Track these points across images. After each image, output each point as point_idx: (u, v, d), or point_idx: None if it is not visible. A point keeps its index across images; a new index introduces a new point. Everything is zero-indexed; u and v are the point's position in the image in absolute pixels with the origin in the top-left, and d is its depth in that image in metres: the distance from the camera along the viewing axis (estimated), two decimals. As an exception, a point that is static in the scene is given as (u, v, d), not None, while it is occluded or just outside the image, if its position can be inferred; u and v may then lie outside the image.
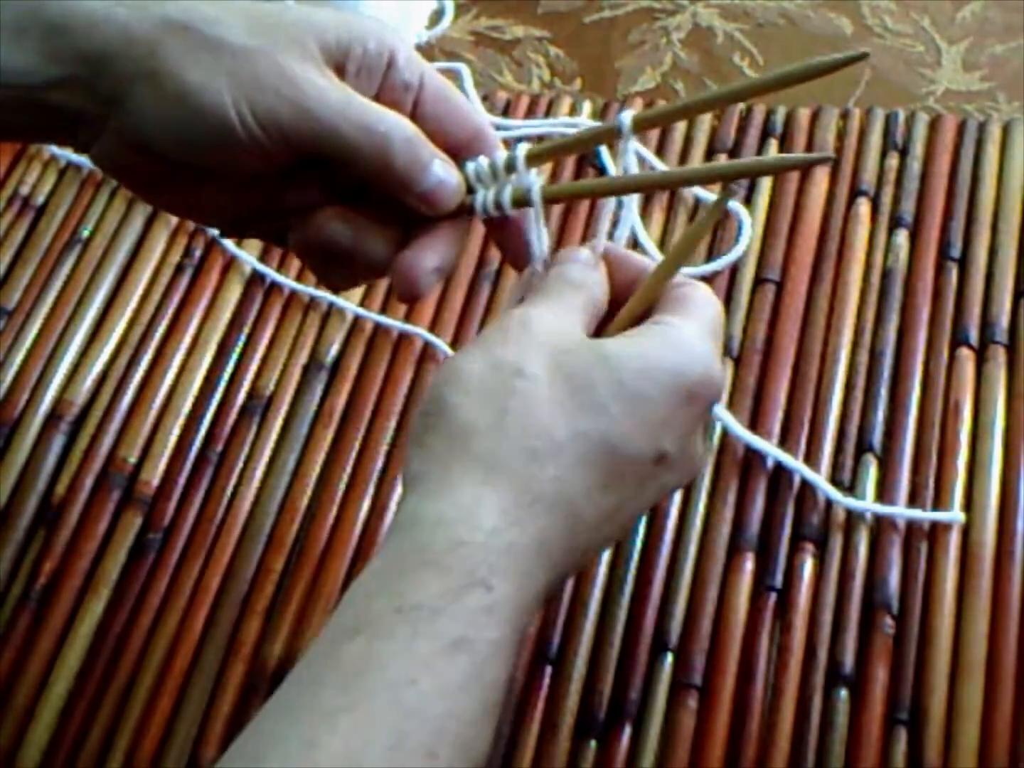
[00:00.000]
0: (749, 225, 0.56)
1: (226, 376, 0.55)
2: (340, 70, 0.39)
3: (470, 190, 0.41)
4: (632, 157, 0.40)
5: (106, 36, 0.37)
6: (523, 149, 0.40)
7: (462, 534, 0.34)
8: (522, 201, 0.41)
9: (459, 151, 0.41)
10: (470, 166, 0.41)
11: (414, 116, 0.41)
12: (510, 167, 0.40)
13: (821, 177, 0.57)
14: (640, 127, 0.40)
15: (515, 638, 0.35)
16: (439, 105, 0.41)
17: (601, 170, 0.59)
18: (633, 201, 0.50)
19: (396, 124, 0.39)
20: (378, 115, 0.39)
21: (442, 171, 0.40)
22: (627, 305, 0.41)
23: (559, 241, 0.57)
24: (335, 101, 0.38)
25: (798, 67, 0.39)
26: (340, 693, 0.32)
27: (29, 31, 0.38)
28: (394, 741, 0.31)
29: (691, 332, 0.39)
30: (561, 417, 0.36)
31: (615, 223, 0.43)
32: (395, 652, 0.33)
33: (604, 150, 0.59)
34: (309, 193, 0.41)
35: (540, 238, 0.42)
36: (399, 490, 0.51)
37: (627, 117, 0.40)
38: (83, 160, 0.62)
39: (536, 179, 0.40)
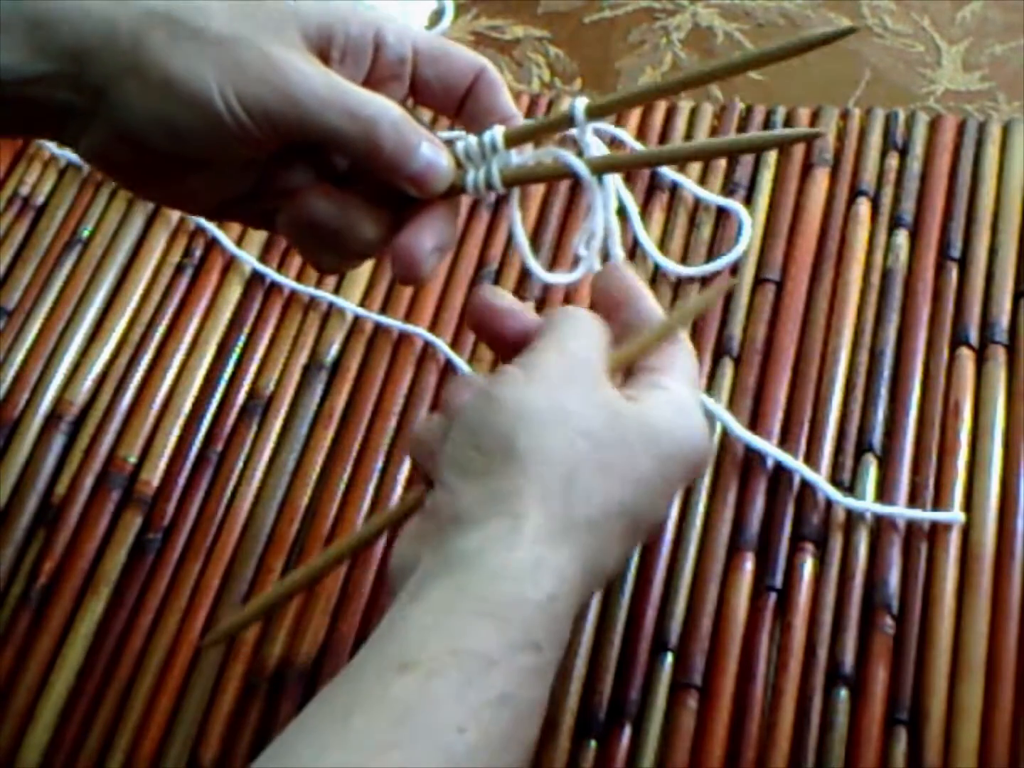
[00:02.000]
0: (749, 225, 0.56)
1: (226, 376, 0.55)
2: (324, 57, 0.39)
3: (459, 165, 0.41)
4: (590, 145, 0.41)
5: (89, 30, 0.37)
6: (500, 130, 0.41)
7: (526, 592, 0.35)
8: (512, 180, 0.41)
9: (466, 99, 0.41)
10: (459, 145, 0.41)
11: (415, 82, 0.41)
12: (494, 148, 0.40)
13: (821, 177, 0.57)
14: (594, 114, 0.40)
15: (547, 702, 0.35)
16: (438, 65, 0.41)
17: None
18: (628, 200, 0.50)
19: (382, 108, 0.39)
20: (363, 99, 0.38)
21: (431, 152, 0.39)
22: (624, 352, 0.41)
23: (560, 233, 0.57)
24: (320, 87, 0.38)
25: (773, 47, 0.39)
26: (392, 728, 0.32)
27: (11, 27, 0.37)
28: None
29: (695, 402, 0.40)
30: (614, 488, 0.37)
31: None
32: (448, 695, 0.32)
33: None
34: (298, 176, 0.41)
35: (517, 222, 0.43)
36: (399, 490, 0.51)
37: (580, 105, 0.40)
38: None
39: (515, 158, 0.41)
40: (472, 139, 0.41)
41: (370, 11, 0.40)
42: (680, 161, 0.56)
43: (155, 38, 0.37)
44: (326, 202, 0.40)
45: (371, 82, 0.40)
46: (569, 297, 0.55)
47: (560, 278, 0.45)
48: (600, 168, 0.41)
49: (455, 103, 0.42)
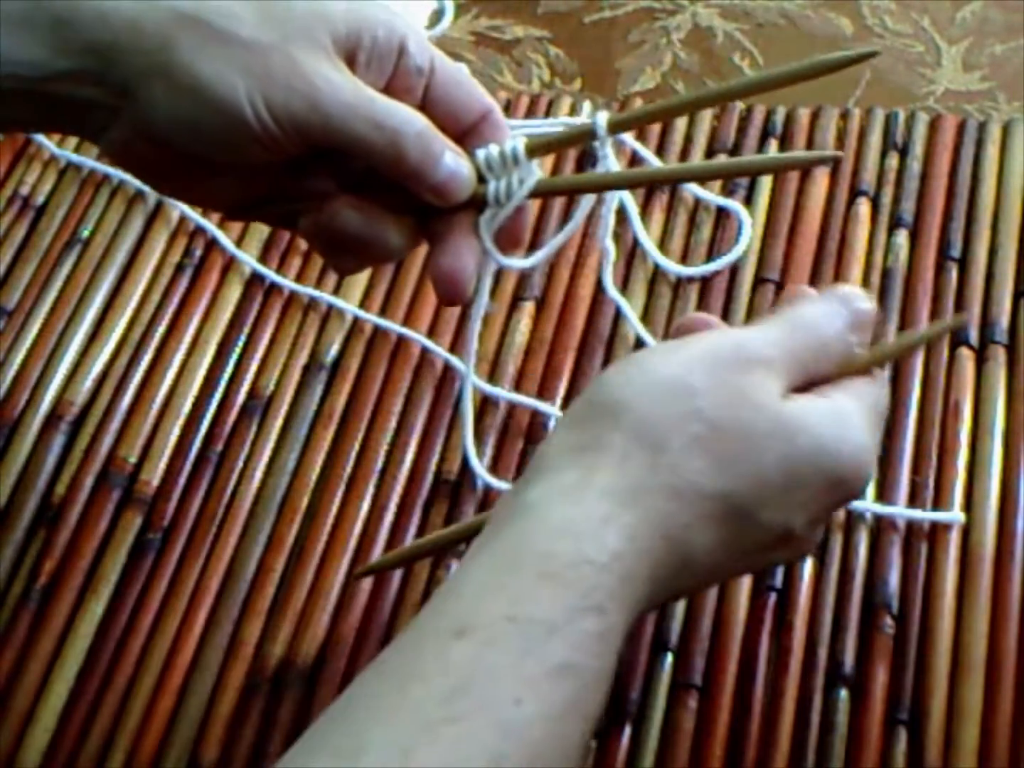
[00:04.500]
0: (749, 225, 0.56)
1: (226, 376, 0.55)
2: (351, 60, 0.39)
3: (480, 179, 0.41)
4: (611, 160, 0.41)
5: (115, 29, 0.37)
6: (522, 141, 0.40)
7: (588, 552, 0.33)
8: (535, 192, 0.41)
9: (468, 134, 0.41)
10: (480, 154, 0.41)
11: (425, 100, 0.41)
12: (515, 159, 0.40)
13: (821, 177, 0.57)
14: (615, 129, 0.40)
15: (614, 669, 0.34)
16: (450, 89, 0.41)
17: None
18: (628, 201, 0.49)
19: (407, 119, 0.39)
20: (389, 109, 0.39)
21: (453, 163, 0.40)
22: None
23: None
24: (347, 95, 0.38)
25: (789, 67, 0.39)
26: (444, 702, 0.31)
27: (36, 23, 0.37)
28: (491, 761, 0.30)
29: (862, 420, 0.38)
30: (717, 471, 0.35)
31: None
32: (504, 666, 0.31)
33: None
34: (320, 181, 0.41)
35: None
36: (399, 490, 0.51)
37: (602, 119, 0.40)
38: (83, 160, 0.62)
39: (538, 171, 0.41)
40: (494, 148, 0.41)
41: (394, 16, 0.40)
42: (675, 182, 0.55)
43: (183, 40, 0.37)
44: (353, 213, 0.40)
45: (389, 91, 0.40)
46: (569, 296, 0.55)
47: (516, 262, 0.44)
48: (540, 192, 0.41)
49: (456, 134, 0.41)
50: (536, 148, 0.41)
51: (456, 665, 0.31)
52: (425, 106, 0.41)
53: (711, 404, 0.36)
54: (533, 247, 0.57)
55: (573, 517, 0.34)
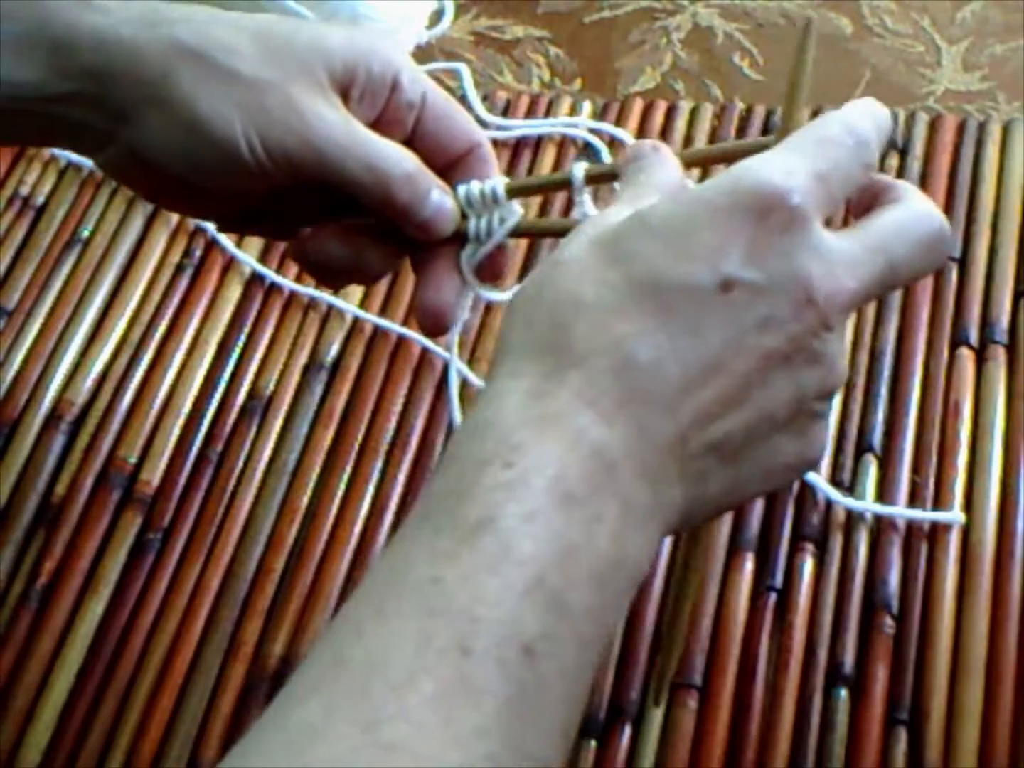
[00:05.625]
0: (749, 225, 0.56)
1: (226, 376, 0.55)
2: (345, 94, 0.40)
3: (463, 214, 0.42)
4: (587, 206, 0.41)
5: (114, 55, 0.38)
6: (503, 182, 0.41)
7: (488, 418, 0.32)
8: (515, 232, 0.42)
9: (454, 166, 0.42)
10: (461, 190, 0.41)
11: (415, 131, 0.42)
12: (495, 198, 0.41)
13: (821, 177, 0.57)
14: (592, 180, 0.41)
15: (561, 504, 0.30)
16: (440, 122, 0.42)
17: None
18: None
19: (397, 160, 0.40)
20: (380, 151, 0.40)
21: (439, 200, 0.41)
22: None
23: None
24: (340, 135, 0.39)
25: None
26: (365, 603, 0.30)
27: (36, 45, 0.38)
28: (419, 642, 0.28)
29: (771, 154, 0.33)
30: (588, 279, 0.32)
31: None
32: (419, 553, 0.30)
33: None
34: (308, 202, 0.42)
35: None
36: (399, 490, 0.51)
37: (579, 171, 0.41)
38: (83, 160, 0.62)
39: (519, 211, 0.42)
40: (475, 186, 0.41)
41: (390, 48, 0.41)
42: None
43: (183, 73, 0.38)
44: (337, 243, 0.42)
45: (380, 122, 0.41)
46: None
47: (497, 295, 0.46)
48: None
49: (442, 165, 0.42)
50: (516, 189, 0.42)
51: (381, 570, 0.30)
52: (414, 137, 0.42)
53: (569, 249, 0.34)
54: (533, 250, 0.58)
55: (477, 410, 0.32)
